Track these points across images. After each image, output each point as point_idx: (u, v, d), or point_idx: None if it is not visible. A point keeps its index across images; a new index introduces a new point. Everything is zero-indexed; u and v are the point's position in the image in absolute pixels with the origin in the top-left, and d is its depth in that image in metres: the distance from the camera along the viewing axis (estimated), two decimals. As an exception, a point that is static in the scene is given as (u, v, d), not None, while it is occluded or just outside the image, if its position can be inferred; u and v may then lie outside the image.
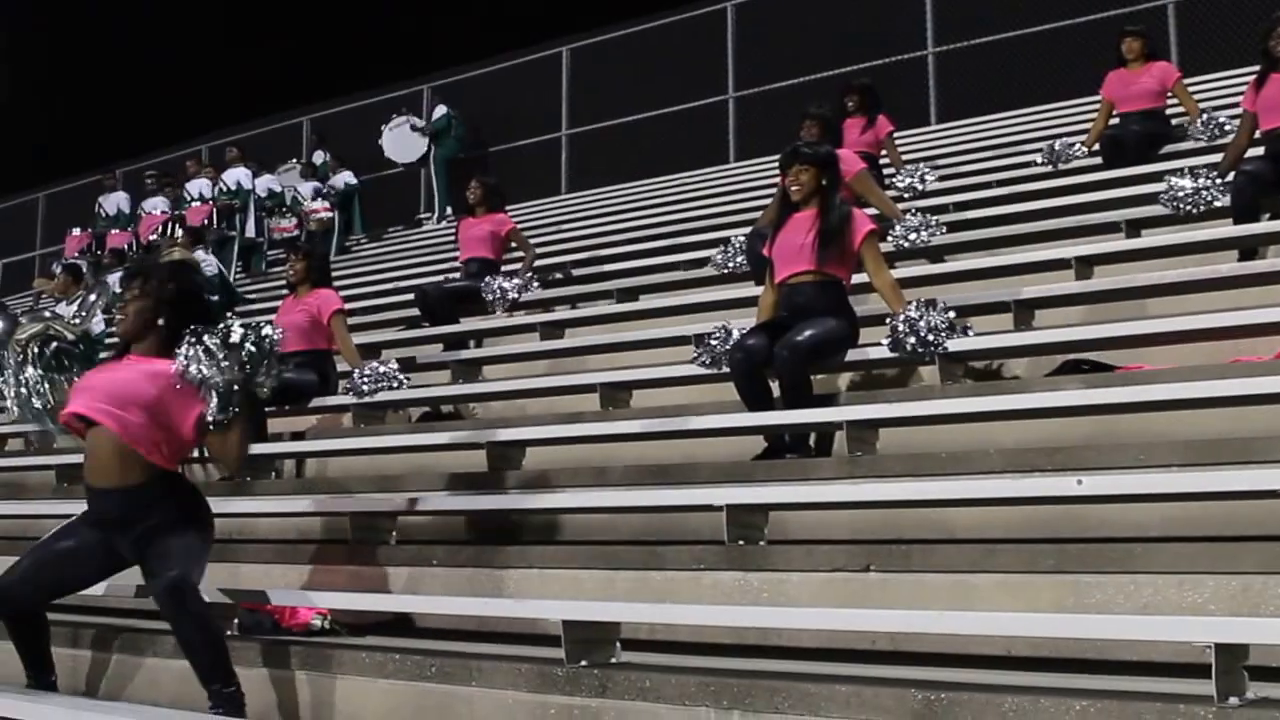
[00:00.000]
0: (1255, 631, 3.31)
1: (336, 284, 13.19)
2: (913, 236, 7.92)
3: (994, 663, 3.95)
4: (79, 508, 4.74)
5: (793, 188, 6.04)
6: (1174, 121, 9.25)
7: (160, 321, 4.60)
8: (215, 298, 13.54)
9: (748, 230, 8.48)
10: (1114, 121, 9.11)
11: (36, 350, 4.94)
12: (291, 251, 8.65)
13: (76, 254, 17.25)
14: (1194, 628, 3.45)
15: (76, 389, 4.69)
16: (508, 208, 10.52)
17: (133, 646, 5.25)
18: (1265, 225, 6.78)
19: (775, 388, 5.92)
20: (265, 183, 16.62)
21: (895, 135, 10.11)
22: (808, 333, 5.76)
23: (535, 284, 9.65)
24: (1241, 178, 6.97)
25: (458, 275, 10.03)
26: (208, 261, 13.97)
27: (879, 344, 5.98)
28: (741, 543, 4.89)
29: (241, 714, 4.39)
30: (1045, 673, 3.77)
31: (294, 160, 17.74)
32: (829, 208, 5.98)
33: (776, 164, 6.34)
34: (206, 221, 15.59)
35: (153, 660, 5.11)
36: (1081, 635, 3.78)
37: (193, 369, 4.41)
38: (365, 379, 7.72)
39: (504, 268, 9.79)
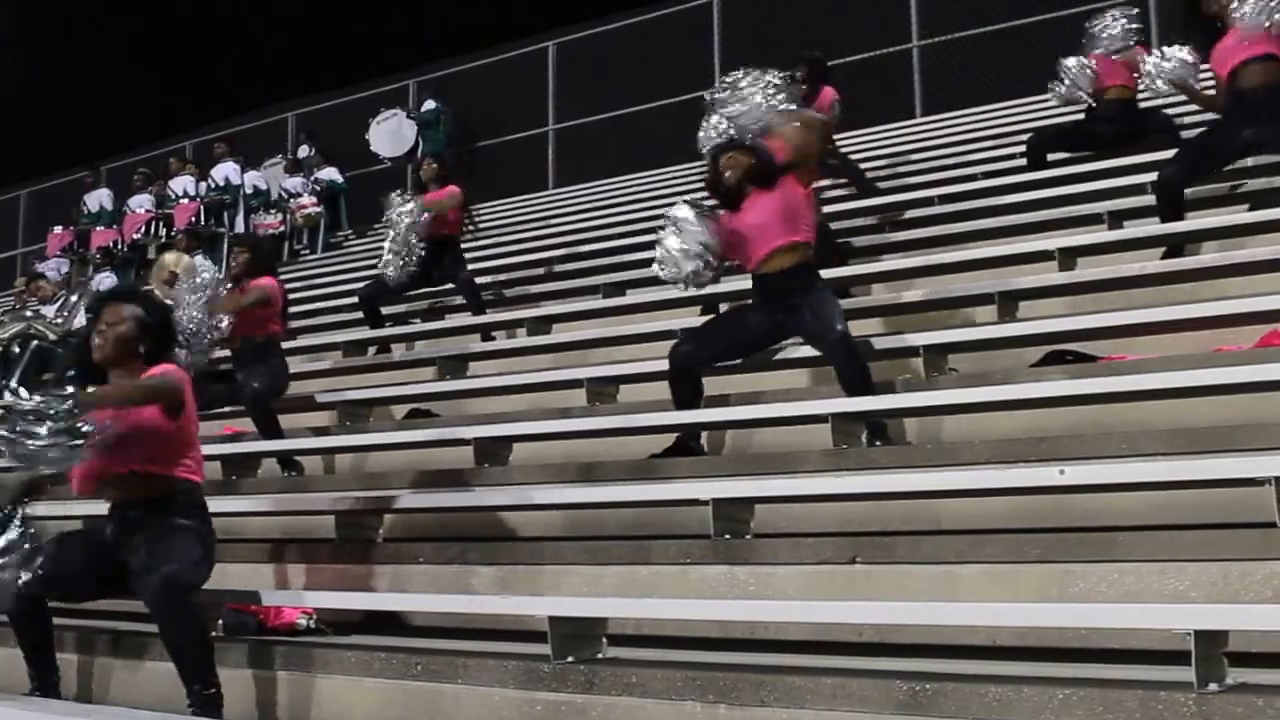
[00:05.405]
0: (1234, 618, 3.34)
1: (323, 280, 13.12)
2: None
3: (979, 653, 3.97)
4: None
5: (727, 171, 6.11)
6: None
7: (141, 349, 4.71)
8: None
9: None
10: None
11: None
12: (236, 244, 8.38)
13: (59, 252, 17.20)
14: (1174, 615, 3.47)
15: None
16: (497, 202, 10.48)
17: (121, 649, 5.24)
18: (1248, 215, 6.80)
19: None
20: (250, 179, 16.59)
21: (838, 109, 9.57)
22: (830, 325, 5.73)
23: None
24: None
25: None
26: (204, 265, 13.91)
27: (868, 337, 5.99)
28: (728, 536, 4.90)
29: (219, 716, 4.41)
30: (1029, 662, 3.78)
31: (279, 156, 17.70)
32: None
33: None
34: (195, 219, 15.53)
35: (141, 663, 5.10)
36: (1064, 624, 3.80)
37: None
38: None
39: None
